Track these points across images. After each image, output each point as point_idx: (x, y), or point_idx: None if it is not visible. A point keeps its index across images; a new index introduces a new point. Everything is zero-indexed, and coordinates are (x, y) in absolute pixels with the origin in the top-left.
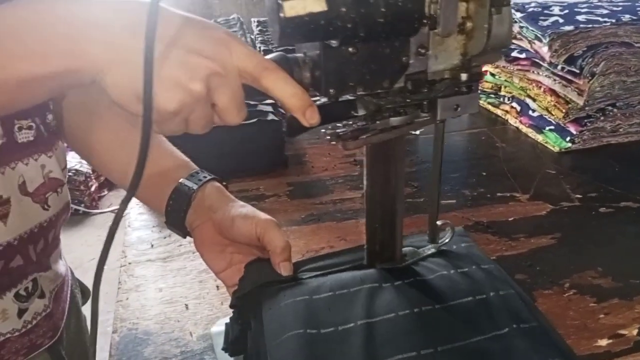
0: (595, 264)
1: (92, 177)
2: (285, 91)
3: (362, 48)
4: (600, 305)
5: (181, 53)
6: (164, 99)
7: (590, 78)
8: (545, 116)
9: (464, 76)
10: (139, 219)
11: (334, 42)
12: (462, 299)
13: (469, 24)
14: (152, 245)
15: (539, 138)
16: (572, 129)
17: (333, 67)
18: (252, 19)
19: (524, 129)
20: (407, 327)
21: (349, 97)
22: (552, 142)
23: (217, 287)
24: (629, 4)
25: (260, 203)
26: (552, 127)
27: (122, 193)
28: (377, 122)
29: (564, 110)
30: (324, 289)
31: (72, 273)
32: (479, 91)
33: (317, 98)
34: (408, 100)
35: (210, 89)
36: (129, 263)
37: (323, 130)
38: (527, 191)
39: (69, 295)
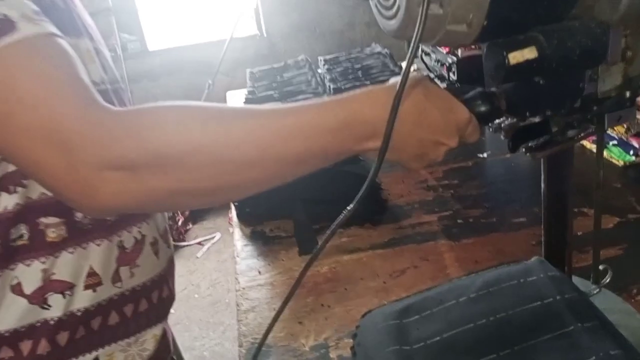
0: None
1: (179, 212)
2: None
3: (548, 79)
4: None
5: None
6: (436, 156)
7: None
8: (609, 132)
9: (627, 93)
10: (244, 249)
11: (537, 78)
12: (531, 304)
13: (629, 53)
14: (259, 272)
15: (604, 153)
16: (635, 142)
17: (528, 96)
18: (319, 57)
19: (589, 145)
20: (486, 333)
21: (536, 118)
22: (617, 156)
23: (322, 304)
24: None
25: (346, 230)
26: (616, 141)
27: (206, 225)
28: (559, 136)
29: (625, 126)
30: (410, 313)
31: None
32: None
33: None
34: (588, 117)
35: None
36: (243, 288)
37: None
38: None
39: None
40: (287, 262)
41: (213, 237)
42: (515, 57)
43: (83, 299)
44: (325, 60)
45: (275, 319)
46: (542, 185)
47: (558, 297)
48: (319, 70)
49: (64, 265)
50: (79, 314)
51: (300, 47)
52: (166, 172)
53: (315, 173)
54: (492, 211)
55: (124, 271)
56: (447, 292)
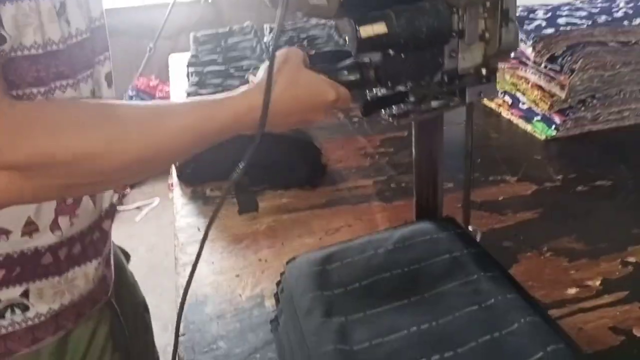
0: (570, 232)
1: None
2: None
3: (410, 54)
4: (572, 264)
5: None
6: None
7: (570, 74)
8: (533, 108)
9: (484, 71)
10: (185, 208)
11: (391, 51)
12: (441, 257)
13: (487, 34)
14: (199, 229)
15: (528, 128)
16: (557, 118)
17: (390, 68)
18: (265, 25)
19: (515, 120)
20: (400, 281)
21: (402, 88)
22: (540, 131)
23: (259, 259)
24: (607, 4)
25: (287, 191)
26: (539, 117)
27: (145, 190)
28: (422, 105)
29: (549, 103)
30: (333, 260)
31: None
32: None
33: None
34: (444, 90)
35: None
36: (182, 244)
37: (383, 112)
38: (516, 174)
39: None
40: (226, 221)
41: (152, 202)
42: (366, 30)
43: (19, 244)
44: (271, 28)
45: (196, 260)
46: (413, 152)
47: (465, 251)
48: (265, 39)
49: (2, 213)
50: (15, 255)
51: (247, 14)
52: (57, 173)
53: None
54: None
55: (64, 221)
56: (367, 243)
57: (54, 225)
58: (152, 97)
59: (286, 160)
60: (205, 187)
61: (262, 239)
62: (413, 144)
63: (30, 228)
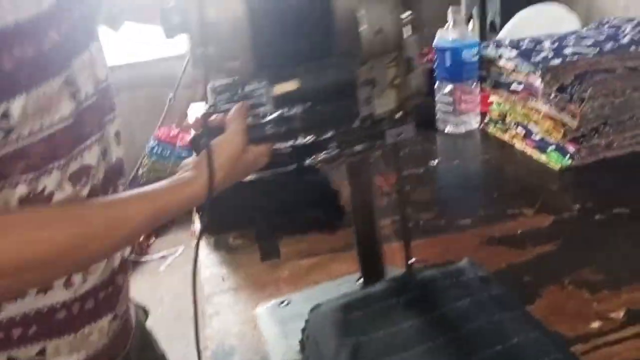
0: (591, 263)
1: None
2: None
3: (327, 104)
4: (594, 296)
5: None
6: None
7: (580, 103)
8: (547, 138)
9: (399, 114)
10: (208, 257)
11: (308, 103)
12: (462, 300)
13: (397, 80)
14: (223, 279)
15: (543, 158)
16: (571, 148)
17: (311, 119)
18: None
19: (529, 150)
20: (423, 327)
21: (327, 135)
22: (554, 161)
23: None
24: (613, 31)
25: (307, 236)
26: (553, 147)
27: (168, 239)
28: (347, 150)
29: (562, 132)
30: (355, 308)
31: None
32: (487, 119)
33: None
34: (365, 134)
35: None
36: (207, 294)
37: (311, 159)
38: (533, 206)
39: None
40: (249, 269)
41: (176, 251)
42: (279, 88)
43: (34, 303)
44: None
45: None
46: (350, 191)
47: (485, 294)
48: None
49: None
50: (31, 314)
51: None
52: (25, 278)
53: (276, 183)
54: (441, 214)
55: (77, 278)
56: (388, 290)
57: (67, 283)
58: (173, 146)
59: (304, 205)
60: (227, 236)
61: (285, 285)
62: (348, 185)
63: (44, 286)
